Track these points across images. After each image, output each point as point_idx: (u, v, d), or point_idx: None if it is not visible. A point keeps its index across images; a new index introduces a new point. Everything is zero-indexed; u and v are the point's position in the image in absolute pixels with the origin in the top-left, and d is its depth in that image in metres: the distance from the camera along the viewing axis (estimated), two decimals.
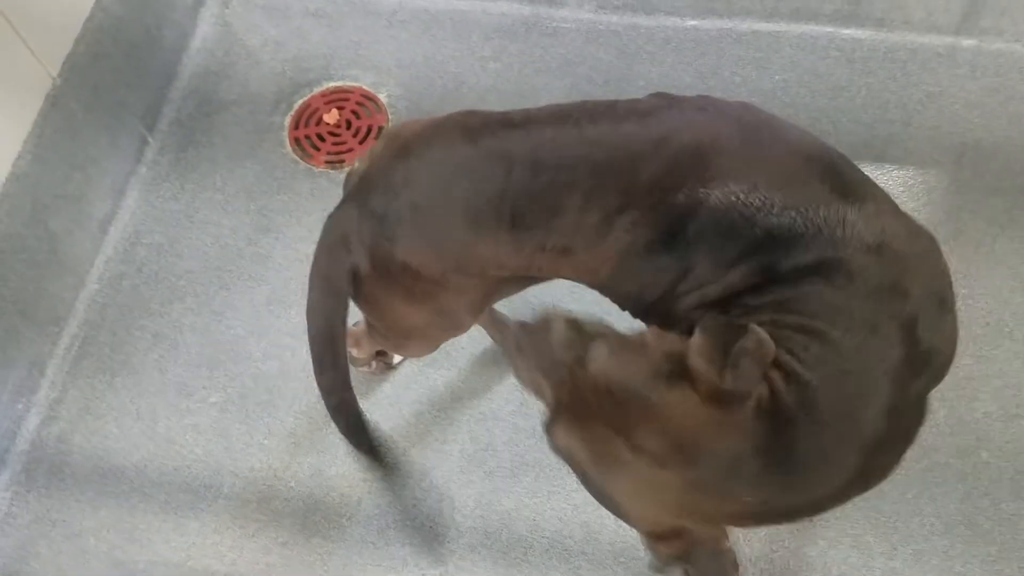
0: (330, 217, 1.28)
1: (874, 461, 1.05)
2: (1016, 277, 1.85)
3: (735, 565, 1.07)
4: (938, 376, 1.11)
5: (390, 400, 1.88)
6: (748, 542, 1.66)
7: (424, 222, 1.21)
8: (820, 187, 1.09)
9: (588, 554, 1.69)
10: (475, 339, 1.90)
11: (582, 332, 1.08)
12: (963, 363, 1.78)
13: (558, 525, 1.72)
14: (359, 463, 1.80)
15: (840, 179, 1.11)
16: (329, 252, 1.27)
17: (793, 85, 2.16)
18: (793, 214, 1.06)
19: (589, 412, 1.03)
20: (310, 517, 1.79)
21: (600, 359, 1.04)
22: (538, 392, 1.10)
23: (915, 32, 2.17)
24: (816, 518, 1.45)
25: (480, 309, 1.41)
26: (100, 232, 2.14)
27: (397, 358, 1.92)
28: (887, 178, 2.00)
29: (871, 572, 1.63)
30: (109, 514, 1.82)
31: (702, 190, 1.09)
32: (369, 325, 1.48)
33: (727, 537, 1.11)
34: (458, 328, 1.45)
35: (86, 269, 2.10)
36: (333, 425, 1.85)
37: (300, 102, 2.30)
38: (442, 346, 1.90)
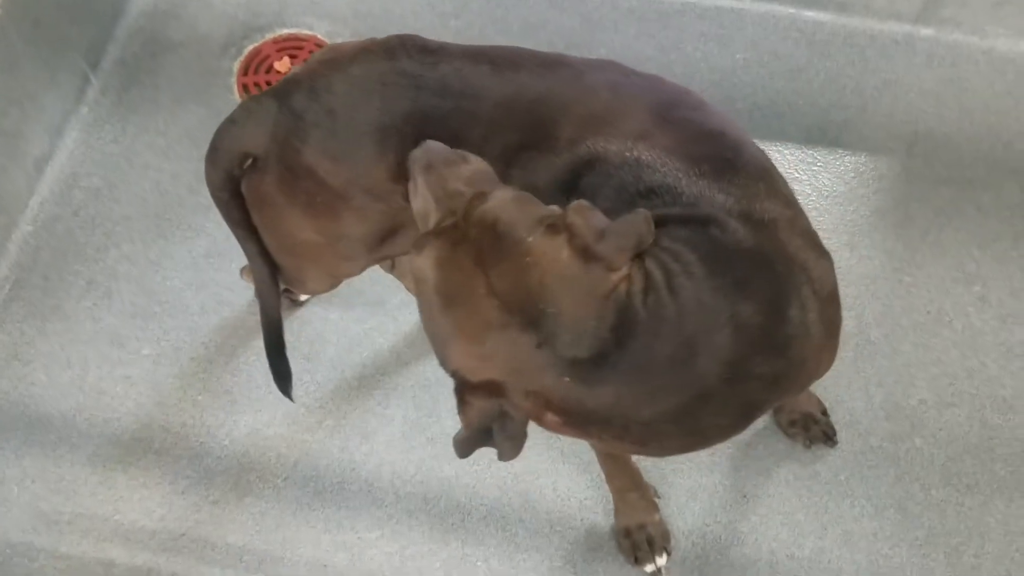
0: (244, 102, 1.32)
1: (700, 411, 1.07)
2: (959, 268, 1.88)
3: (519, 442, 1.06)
4: (793, 376, 1.12)
5: (333, 363, 1.85)
6: (682, 515, 1.67)
7: (337, 130, 1.25)
8: (714, 161, 1.13)
9: (525, 522, 1.68)
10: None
11: (495, 179, 1.10)
12: (902, 350, 1.81)
13: (497, 493, 1.71)
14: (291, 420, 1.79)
15: (737, 158, 1.15)
16: (229, 127, 1.33)
17: (753, 65, 2.15)
18: (680, 176, 1.11)
19: (463, 244, 1.01)
20: (244, 476, 1.76)
21: (499, 198, 1.03)
22: (423, 217, 1.08)
23: (875, 18, 2.18)
24: (630, 449, 1.41)
25: (378, 245, 1.38)
26: (36, 171, 2.05)
27: (304, 296, 1.89)
28: (840, 163, 2.02)
29: (801, 550, 1.66)
30: (34, 463, 1.77)
31: (601, 145, 1.14)
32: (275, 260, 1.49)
33: (531, 418, 1.07)
34: (353, 260, 1.43)
35: (19, 209, 2.01)
36: (273, 384, 1.83)
37: (250, 48, 2.22)
38: (388, 310, 1.89)
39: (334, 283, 1.57)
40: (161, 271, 1.96)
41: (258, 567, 1.69)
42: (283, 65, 2.20)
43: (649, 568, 1.62)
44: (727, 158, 1.14)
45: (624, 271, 1.00)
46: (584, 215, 0.99)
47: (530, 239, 0.99)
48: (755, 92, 2.12)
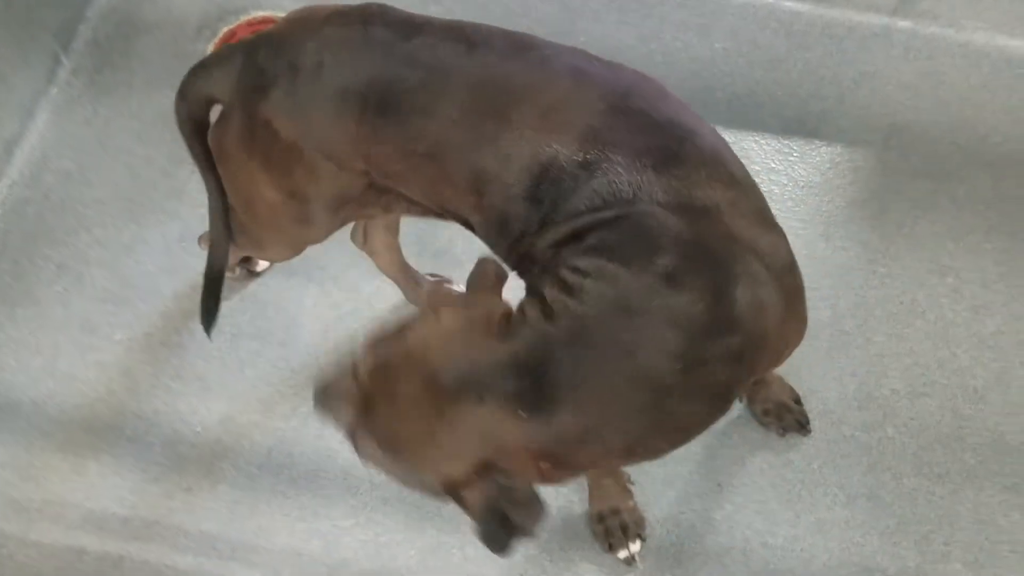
0: (217, 50, 1.37)
1: (668, 405, 1.09)
2: (933, 260, 1.90)
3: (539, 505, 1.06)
4: (757, 351, 1.14)
5: (308, 349, 1.84)
6: (656, 502, 1.68)
7: (297, 87, 1.25)
8: (658, 153, 1.14)
9: None
10: (396, 291, 1.86)
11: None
12: (876, 340, 1.82)
13: None
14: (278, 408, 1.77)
15: (681, 147, 1.16)
16: (198, 70, 1.38)
17: (732, 55, 2.15)
18: (621, 173, 1.12)
19: (374, 396, 1.09)
20: (217, 464, 1.74)
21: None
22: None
23: (854, 9, 2.18)
24: (622, 462, 1.44)
25: (336, 209, 1.38)
26: (5, 154, 2.02)
27: (262, 265, 1.87)
28: (816, 154, 2.02)
29: (774, 538, 1.67)
30: (3, 450, 1.75)
31: (554, 147, 1.15)
32: (234, 221, 1.51)
33: (528, 474, 1.09)
34: (310, 225, 1.41)
35: None
36: (247, 371, 1.81)
37: (225, 29, 2.19)
38: (363, 296, 1.87)
39: (294, 250, 1.56)
40: (133, 256, 1.93)
41: (231, 555, 1.68)
42: None
43: (622, 554, 1.63)
44: (671, 148, 1.15)
45: (503, 306, 1.10)
46: (439, 294, 1.16)
47: (408, 334, 1.09)
48: (734, 82, 2.12)
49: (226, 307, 1.86)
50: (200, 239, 1.83)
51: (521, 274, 1.24)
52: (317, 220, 1.39)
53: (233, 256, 1.74)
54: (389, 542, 1.67)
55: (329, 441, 1.75)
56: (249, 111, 1.28)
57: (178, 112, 1.40)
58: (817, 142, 2.04)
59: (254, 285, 1.89)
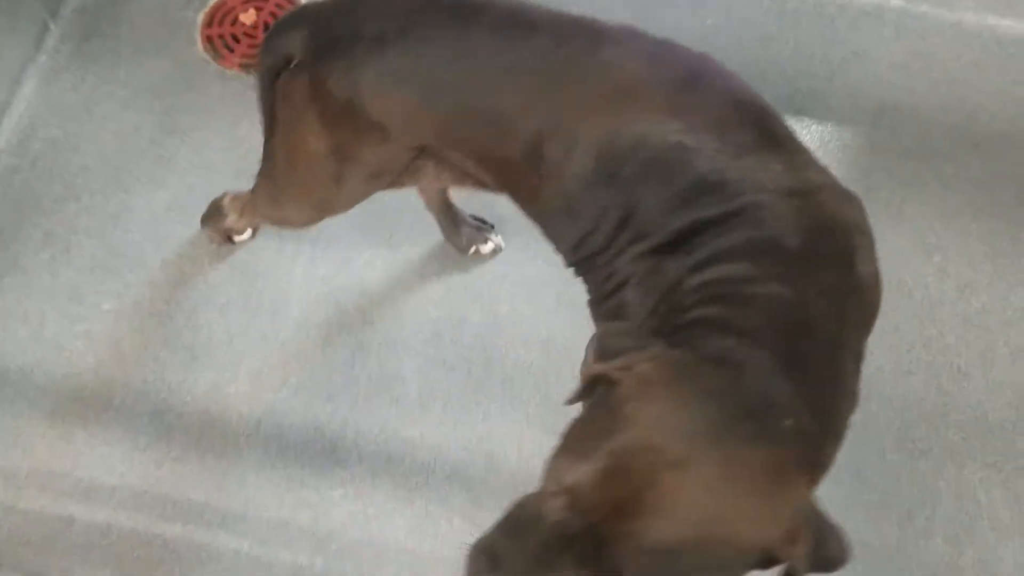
0: (302, 6, 1.37)
1: (850, 363, 1.08)
2: (920, 239, 1.91)
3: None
4: (874, 315, 1.14)
5: (298, 322, 1.84)
6: None
7: (358, 54, 1.25)
8: (750, 135, 1.12)
9: (489, 483, 1.70)
10: (387, 263, 1.86)
11: None
12: None
13: (462, 454, 1.72)
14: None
15: (770, 130, 1.14)
16: (282, 26, 1.37)
17: (724, 32, 2.15)
18: (724, 159, 1.09)
19: (633, 504, 0.91)
20: (205, 433, 1.74)
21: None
22: None
23: None
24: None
25: (372, 178, 1.39)
26: None
27: (241, 237, 1.88)
28: (806, 133, 2.03)
29: None
30: None
31: (643, 125, 1.11)
32: (260, 174, 1.52)
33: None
34: (341, 187, 1.42)
35: None
36: (235, 342, 1.81)
37: None
38: (354, 269, 1.87)
39: (313, 215, 1.56)
40: (121, 224, 1.92)
41: (220, 524, 1.68)
42: (248, 17, 2.15)
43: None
44: (765, 130, 1.13)
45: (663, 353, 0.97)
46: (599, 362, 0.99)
47: (623, 421, 0.92)
48: (725, 58, 2.06)
49: (215, 277, 1.86)
50: (203, 221, 1.86)
51: (584, 274, 1.24)
52: (349, 184, 1.40)
53: (247, 218, 1.76)
54: (378, 513, 1.68)
55: (317, 413, 1.75)
56: (315, 67, 1.30)
57: (262, 63, 1.41)
58: (807, 120, 2.05)
59: (243, 255, 1.88)
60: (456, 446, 1.72)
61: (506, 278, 1.86)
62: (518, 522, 0.92)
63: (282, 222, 1.74)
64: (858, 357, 1.10)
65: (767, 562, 0.90)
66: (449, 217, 1.83)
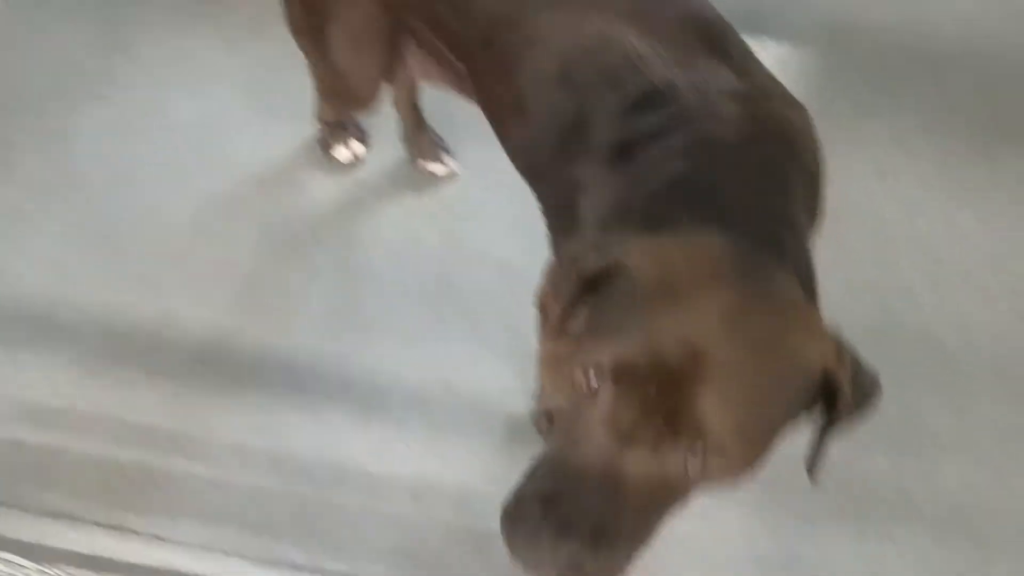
0: None
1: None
2: (872, 161, 1.92)
3: None
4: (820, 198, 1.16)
5: (248, 244, 1.80)
6: None
7: None
8: (704, 46, 1.12)
9: (447, 406, 1.70)
10: (339, 184, 1.83)
11: None
12: (813, 239, 1.85)
13: (419, 379, 1.72)
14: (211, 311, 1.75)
15: (724, 43, 1.15)
16: None
17: None
18: (677, 69, 1.09)
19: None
20: (155, 357, 1.72)
21: None
22: None
23: None
24: None
25: (355, 43, 1.40)
26: None
27: (342, 152, 1.86)
28: (764, 52, 1.96)
29: None
30: None
31: (603, 29, 1.12)
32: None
33: None
34: (329, 50, 1.42)
35: None
36: (185, 261, 1.78)
37: None
38: (307, 191, 1.83)
39: (351, 93, 1.55)
40: (64, 143, 1.85)
41: (173, 447, 1.67)
42: None
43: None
44: (721, 41, 1.14)
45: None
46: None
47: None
48: None
49: (160, 198, 1.81)
50: None
51: (535, 181, 1.24)
52: (335, 46, 1.41)
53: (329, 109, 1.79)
54: (335, 437, 1.68)
55: (271, 337, 1.73)
56: None
57: None
58: (766, 39, 2.03)
59: (194, 176, 1.83)
60: (413, 371, 1.72)
61: (464, 199, 1.84)
62: (565, 435, 0.87)
63: (337, 97, 1.69)
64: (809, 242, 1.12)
65: (825, 389, 0.88)
66: (413, 119, 1.81)
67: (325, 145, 1.86)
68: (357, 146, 1.86)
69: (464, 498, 1.66)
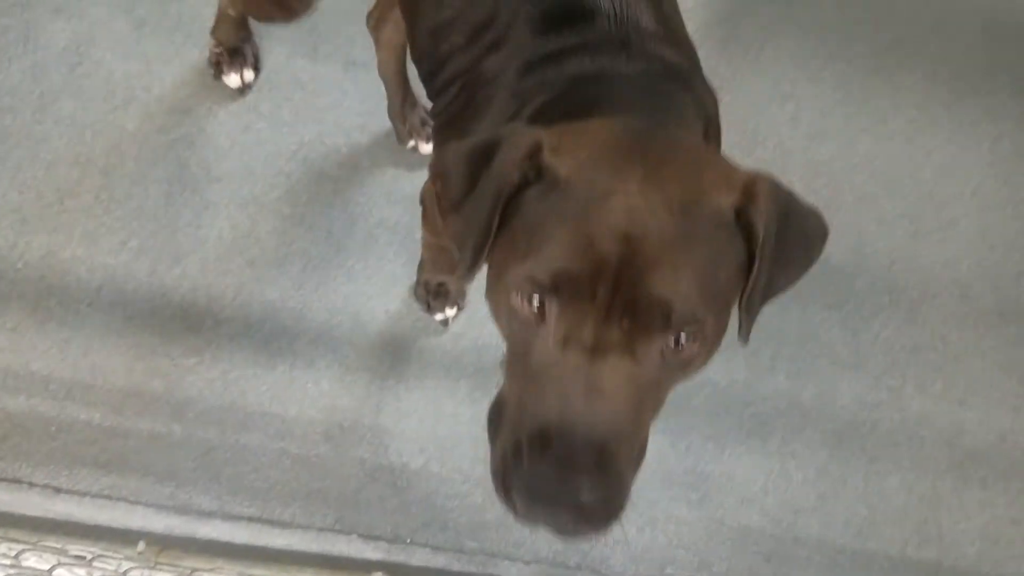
0: None
1: None
2: (776, 87, 1.93)
3: None
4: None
5: (133, 178, 1.69)
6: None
7: None
8: None
9: (356, 343, 1.67)
10: (232, 113, 1.73)
11: None
12: None
13: (326, 316, 1.67)
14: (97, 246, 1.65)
15: None
16: None
17: None
18: None
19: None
20: (43, 302, 1.62)
21: None
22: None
23: None
24: None
25: None
26: None
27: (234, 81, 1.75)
28: None
29: None
30: None
31: None
32: None
33: None
34: None
35: None
36: (66, 201, 1.66)
37: None
38: (196, 118, 1.73)
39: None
40: None
41: (67, 395, 1.59)
42: None
43: (439, 316, 1.68)
44: None
45: None
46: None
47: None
48: None
49: (39, 131, 1.69)
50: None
51: (434, 78, 1.20)
52: None
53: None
54: (238, 378, 1.63)
55: (163, 277, 1.65)
56: None
57: None
58: None
59: (71, 104, 1.70)
60: (319, 308, 1.67)
61: (364, 129, 1.76)
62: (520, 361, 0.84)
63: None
64: None
65: (747, 229, 0.85)
66: (401, 93, 1.70)
67: (217, 69, 1.74)
68: (249, 73, 1.75)
69: (379, 435, 1.64)
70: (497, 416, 0.86)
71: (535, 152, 0.83)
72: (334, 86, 1.78)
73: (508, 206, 0.85)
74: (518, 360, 0.84)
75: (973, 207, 1.92)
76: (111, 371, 1.61)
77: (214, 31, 1.72)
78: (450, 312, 1.67)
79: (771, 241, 0.84)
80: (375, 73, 1.68)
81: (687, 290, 0.79)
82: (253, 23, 1.72)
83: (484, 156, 0.86)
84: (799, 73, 1.94)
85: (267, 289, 1.67)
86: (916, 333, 1.82)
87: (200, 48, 1.74)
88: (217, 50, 1.73)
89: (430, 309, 1.66)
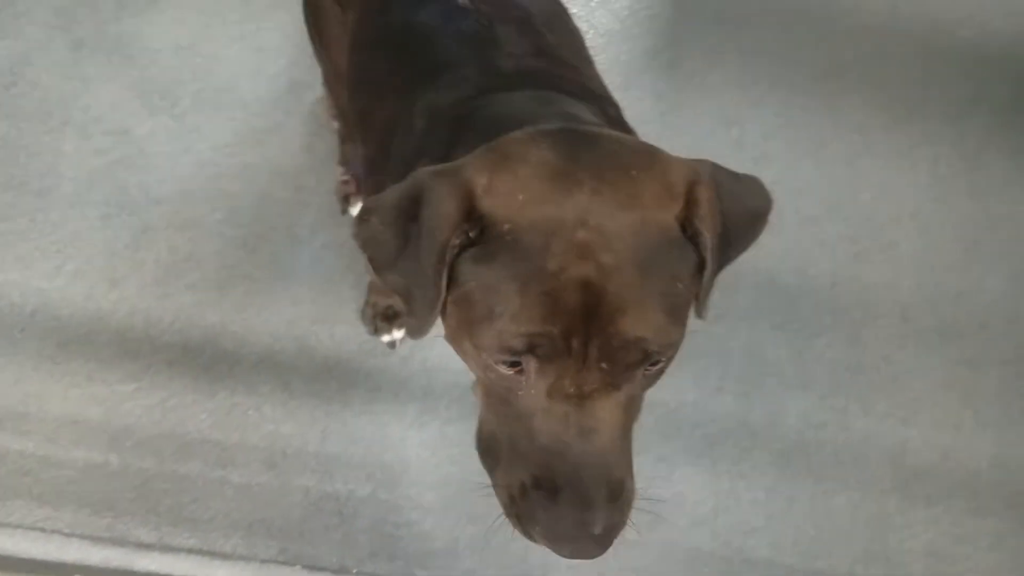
0: None
1: None
2: (720, 110, 1.95)
3: None
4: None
5: (71, 200, 1.65)
6: None
7: None
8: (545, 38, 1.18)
9: (300, 368, 1.63)
10: (172, 134, 1.69)
11: None
12: None
13: (269, 340, 1.64)
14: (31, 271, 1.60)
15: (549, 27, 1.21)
16: None
17: None
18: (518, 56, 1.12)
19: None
20: None
21: None
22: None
23: None
24: None
25: None
26: None
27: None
28: (615, 1, 2.00)
29: None
30: None
31: None
32: None
33: None
34: None
35: None
36: (1, 224, 1.61)
37: None
38: (134, 139, 1.70)
39: None
40: None
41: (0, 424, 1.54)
42: None
43: (386, 338, 1.65)
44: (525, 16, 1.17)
45: None
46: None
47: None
48: None
49: None
50: None
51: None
52: None
53: None
54: (177, 405, 1.58)
55: (100, 302, 1.61)
56: None
57: None
58: None
59: (4, 126, 1.66)
60: (263, 332, 1.64)
61: (311, 150, 1.74)
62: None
63: None
64: None
65: (694, 238, 0.85)
66: None
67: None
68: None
69: (324, 463, 1.60)
70: (489, 450, 0.88)
71: (468, 205, 0.81)
72: (277, 106, 1.76)
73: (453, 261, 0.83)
74: (499, 401, 0.85)
75: (912, 229, 1.96)
76: (45, 399, 1.56)
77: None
78: (397, 334, 1.65)
79: (717, 240, 0.86)
80: (320, 92, 1.66)
81: (657, 321, 0.80)
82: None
83: (409, 209, 0.84)
84: (743, 97, 1.97)
85: (208, 313, 1.63)
86: (859, 353, 1.84)
87: (139, 68, 1.72)
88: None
89: (377, 331, 1.64)
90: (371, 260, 0.88)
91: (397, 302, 1.61)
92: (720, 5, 2.04)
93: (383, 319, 1.63)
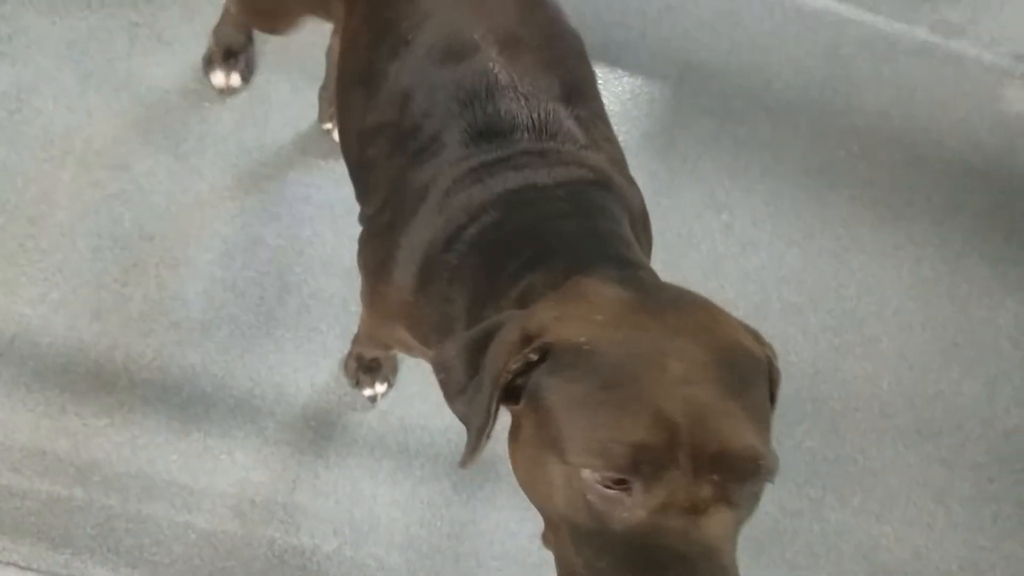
0: None
1: None
2: (711, 195, 1.99)
3: None
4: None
5: (63, 229, 1.64)
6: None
7: None
8: (559, 86, 1.13)
9: (277, 415, 1.62)
10: (172, 174, 1.70)
11: None
12: (653, 267, 1.89)
13: (248, 384, 1.62)
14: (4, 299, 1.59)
15: (580, 94, 1.16)
16: None
17: None
18: (523, 101, 1.09)
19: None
20: None
21: None
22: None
23: None
24: None
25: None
26: None
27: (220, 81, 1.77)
28: (618, 83, 2.05)
29: None
30: None
31: (477, 37, 1.11)
32: None
33: None
34: None
35: None
36: None
37: None
38: (133, 176, 1.70)
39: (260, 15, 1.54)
40: None
41: None
42: None
43: (367, 392, 1.63)
44: (578, 78, 1.17)
45: None
46: None
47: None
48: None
49: None
50: None
51: (362, 176, 1.21)
52: None
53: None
54: (148, 444, 1.55)
55: (82, 333, 1.59)
56: None
57: None
58: (619, 71, 2.06)
59: (4, 151, 1.66)
60: (242, 375, 1.62)
61: (309, 200, 1.75)
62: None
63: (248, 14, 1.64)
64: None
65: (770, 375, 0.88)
66: None
67: (208, 65, 1.76)
68: (235, 77, 1.76)
69: (292, 514, 1.57)
70: None
71: (534, 333, 0.82)
72: (280, 155, 1.77)
73: (523, 388, 0.83)
74: (590, 533, 0.80)
75: (893, 326, 1.99)
76: (14, 427, 1.52)
77: (216, 30, 1.74)
78: (380, 388, 1.64)
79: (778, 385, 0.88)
80: (322, 145, 1.68)
81: (764, 435, 0.80)
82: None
83: (481, 340, 0.86)
84: (734, 184, 2.01)
85: (189, 352, 1.61)
86: (837, 444, 1.85)
87: (146, 107, 1.73)
88: (214, 48, 1.75)
89: (359, 384, 1.63)
90: (442, 385, 0.89)
91: (382, 356, 1.61)
92: (718, 96, 2.09)
93: (365, 372, 1.62)
